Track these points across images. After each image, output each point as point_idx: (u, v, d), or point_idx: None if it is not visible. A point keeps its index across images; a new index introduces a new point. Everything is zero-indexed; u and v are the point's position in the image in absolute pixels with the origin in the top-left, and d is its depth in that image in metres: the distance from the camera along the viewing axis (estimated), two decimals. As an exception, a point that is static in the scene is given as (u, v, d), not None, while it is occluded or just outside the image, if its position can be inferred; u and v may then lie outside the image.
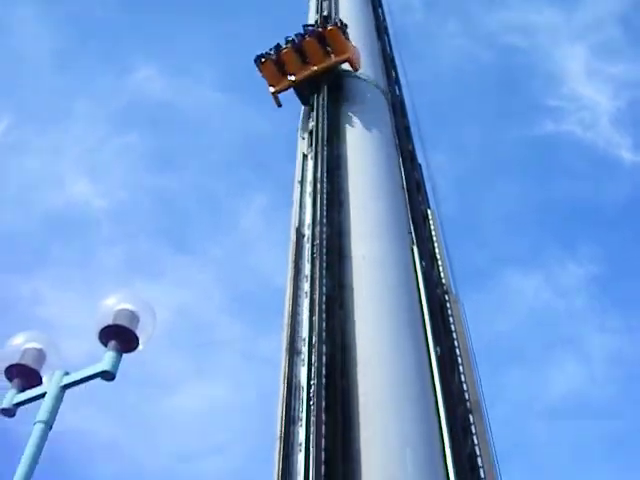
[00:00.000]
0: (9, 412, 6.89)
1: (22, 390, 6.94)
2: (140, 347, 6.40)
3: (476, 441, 11.06)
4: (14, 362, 7.00)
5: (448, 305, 12.15)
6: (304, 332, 9.74)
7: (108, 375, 6.10)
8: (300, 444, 8.68)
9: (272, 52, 14.22)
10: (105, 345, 6.37)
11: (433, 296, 11.95)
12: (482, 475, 10.61)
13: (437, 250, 12.89)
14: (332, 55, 14.34)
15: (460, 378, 11.64)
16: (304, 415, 8.80)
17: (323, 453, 8.54)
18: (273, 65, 14.23)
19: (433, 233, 13.26)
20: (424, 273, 11.94)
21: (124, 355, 6.46)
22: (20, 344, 7.13)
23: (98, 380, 6.27)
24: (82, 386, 6.44)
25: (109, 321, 6.33)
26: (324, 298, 9.86)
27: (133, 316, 6.23)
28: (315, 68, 14.22)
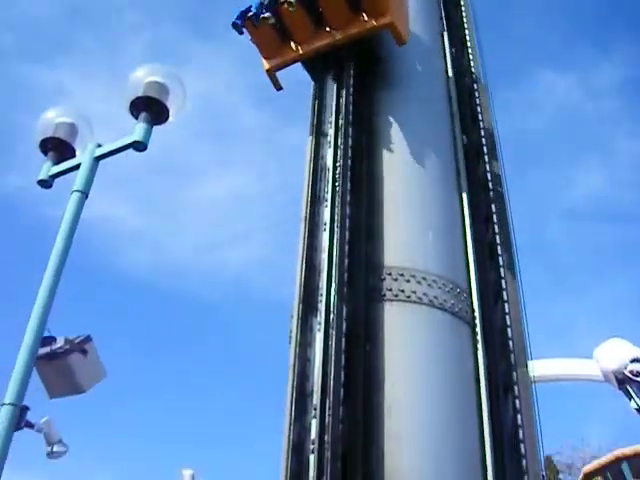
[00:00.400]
0: (46, 183, 7.11)
1: (57, 163, 7.13)
2: (170, 119, 6.47)
3: (497, 230, 11.33)
4: (48, 135, 7.14)
5: (477, 94, 11.98)
6: (331, 115, 9.70)
7: (140, 145, 6.21)
8: (325, 224, 8.92)
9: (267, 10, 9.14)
10: (136, 118, 6.46)
11: (462, 84, 11.79)
12: (501, 262, 10.97)
13: (468, 37, 12.46)
14: (365, 16, 9.59)
15: (485, 168, 11.74)
16: (329, 196, 8.97)
17: (347, 233, 8.81)
18: (271, 30, 9.44)
19: (465, 20, 12.80)
20: (453, 60, 11.73)
21: (152, 137, 6.59)
22: (52, 118, 7.24)
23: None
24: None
25: (139, 93, 6.36)
26: (351, 82, 9.75)
27: (162, 88, 6.25)
28: (338, 36, 9.71)
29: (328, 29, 9.69)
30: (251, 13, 8.84)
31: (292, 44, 9.76)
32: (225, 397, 62.80)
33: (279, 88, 10.08)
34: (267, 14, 8.81)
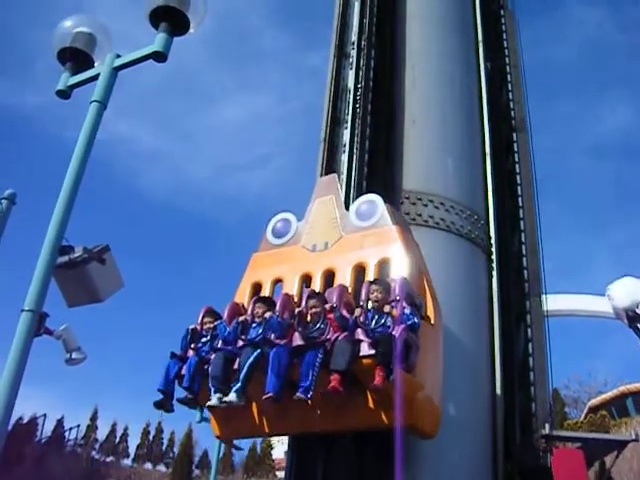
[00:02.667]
0: (64, 94, 7.03)
1: (75, 73, 7.03)
2: (191, 30, 6.35)
3: (517, 159, 11.23)
4: (66, 45, 7.03)
5: (503, 20, 11.73)
6: (354, 35, 9.52)
7: (159, 56, 6.10)
8: (344, 145, 8.85)
9: None
10: (156, 28, 6.34)
11: (488, 9, 11.53)
12: (519, 192, 10.91)
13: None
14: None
15: (508, 96, 11.57)
16: (349, 117, 8.88)
17: (366, 155, 8.75)
18: None
19: None
20: (479, -16, 11.44)
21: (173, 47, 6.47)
22: (70, 27, 7.11)
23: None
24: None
25: (159, 2, 6.24)
26: (376, 1, 9.56)
27: (184, -4, 6.13)
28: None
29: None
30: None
31: None
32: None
33: None
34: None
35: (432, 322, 7.38)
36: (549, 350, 10.40)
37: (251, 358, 6.91)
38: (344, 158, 8.71)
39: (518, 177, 11.04)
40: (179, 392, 7.29)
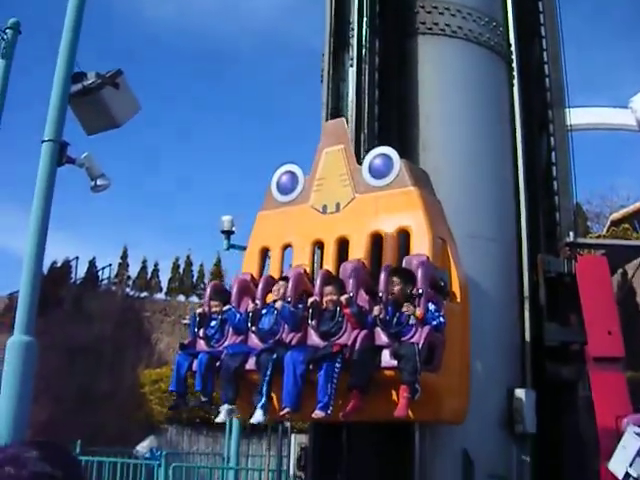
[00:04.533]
0: None
1: None
2: None
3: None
4: None
5: None
6: None
7: None
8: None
9: None
10: None
11: None
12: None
13: None
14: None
15: None
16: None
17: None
18: None
19: None
20: None
21: None
22: None
23: None
24: None
25: None
26: None
27: None
28: None
29: None
30: None
31: None
32: (258, 149, 63.62)
33: None
34: None
35: (458, 299, 7.04)
36: (572, 160, 10.34)
37: (269, 369, 6.57)
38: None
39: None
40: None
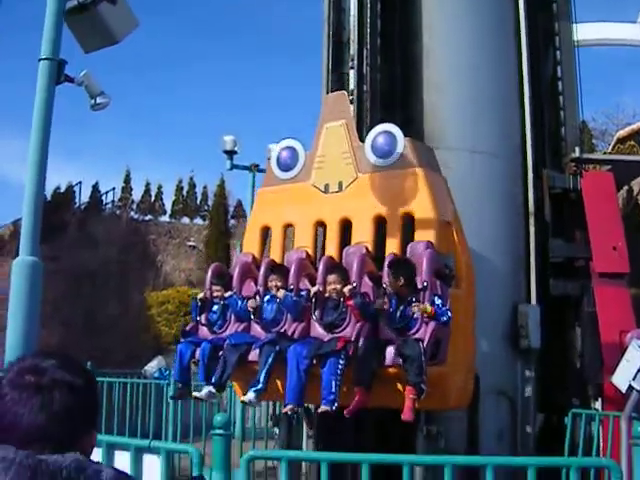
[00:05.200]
0: None
1: None
2: None
3: None
4: None
5: None
6: None
7: None
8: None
9: None
10: None
11: None
12: None
13: None
14: None
15: None
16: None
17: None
18: None
19: None
20: None
21: None
22: None
23: None
24: None
25: None
26: None
27: None
28: None
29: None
30: None
31: None
32: (257, 66, 62.68)
33: None
34: None
35: (463, 283, 6.90)
36: (579, 76, 10.17)
37: (270, 359, 6.44)
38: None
39: None
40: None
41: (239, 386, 7.24)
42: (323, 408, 6.05)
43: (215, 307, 7.28)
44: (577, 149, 10.08)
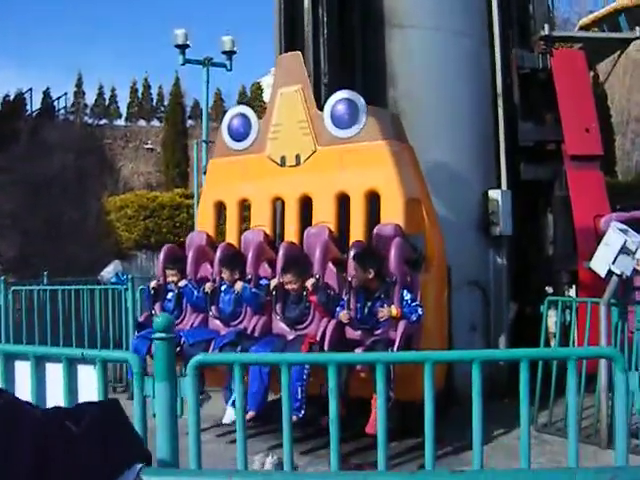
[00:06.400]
0: None
1: None
2: None
3: None
4: None
5: None
6: None
7: None
8: None
9: None
10: None
11: None
12: None
13: None
14: None
15: None
16: None
17: None
18: None
19: None
20: None
21: None
22: None
23: None
24: None
25: None
26: None
27: None
28: None
29: None
30: None
31: None
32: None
33: None
34: None
35: (434, 263, 6.44)
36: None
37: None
38: None
39: None
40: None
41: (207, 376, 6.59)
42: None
43: (170, 295, 6.92)
44: (546, 26, 9.65)
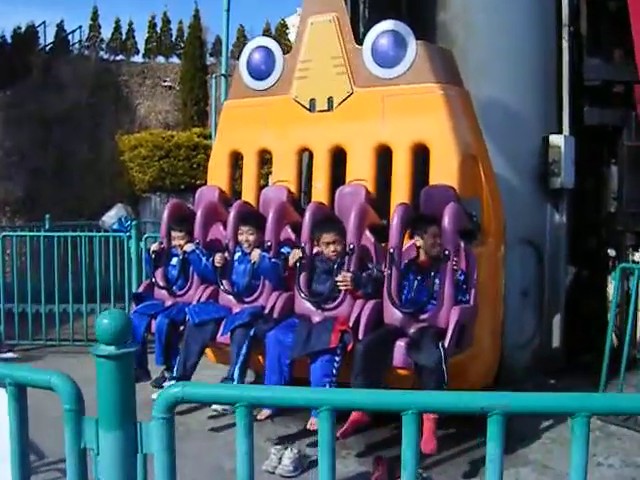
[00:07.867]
0: None
1: None
2: None
3: None
4: None
5: None
6: None
7: None
8: None
9: None
10: None
11: None
12: None
13: None
14: None
15: None
16: None
17: None
18: None
19: None
20: None
21: None
22: None
23: None
24: None
25: None
26: None
27: None
28: None
29: None
30: None
31: None
32: None
33: None
34: None
35: (490, 234, 5.38)
36: None
37: (244, 348, 5.00)
38: None
39: None
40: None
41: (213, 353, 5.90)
42: (313, 423, 4.65)
43: (174, 260, 5.88)
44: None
